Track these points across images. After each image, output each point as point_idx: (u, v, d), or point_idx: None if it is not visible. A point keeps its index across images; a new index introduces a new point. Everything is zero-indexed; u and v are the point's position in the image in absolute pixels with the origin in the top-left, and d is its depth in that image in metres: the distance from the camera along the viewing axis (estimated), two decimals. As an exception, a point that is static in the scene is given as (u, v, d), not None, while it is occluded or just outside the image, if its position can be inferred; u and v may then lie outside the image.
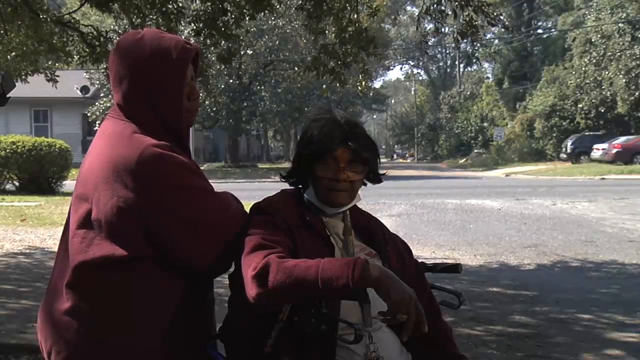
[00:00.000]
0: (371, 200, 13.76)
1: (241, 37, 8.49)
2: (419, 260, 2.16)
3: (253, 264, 1.70)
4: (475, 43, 7.51)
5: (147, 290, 1.77)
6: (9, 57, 8.56)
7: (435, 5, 7.05)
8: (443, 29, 7.47)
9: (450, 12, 6.99)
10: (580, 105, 35.51)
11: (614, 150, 30.12)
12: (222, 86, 33.52)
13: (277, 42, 34.71)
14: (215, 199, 1.85)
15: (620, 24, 32.95)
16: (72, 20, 7.69)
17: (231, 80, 34.73)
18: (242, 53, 30.75)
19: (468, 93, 53.15)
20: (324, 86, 11.50)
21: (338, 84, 7.91)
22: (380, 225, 2.08)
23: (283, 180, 2.06)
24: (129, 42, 1.85)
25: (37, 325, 1.89)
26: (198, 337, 1.90)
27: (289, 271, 1.65)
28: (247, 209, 1.96)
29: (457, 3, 6.73)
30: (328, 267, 1.65)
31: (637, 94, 31.87)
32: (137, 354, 1.77)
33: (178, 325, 1.82)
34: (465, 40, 7.31)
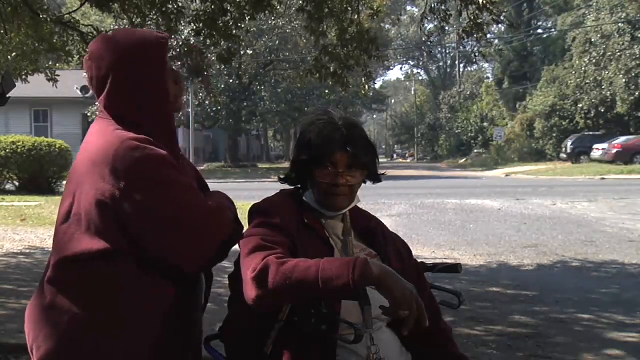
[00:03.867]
0: (371, 200, 13.74)
1: (241, 38, 8.47)
2: (419, 261, 2.17)
3: (252, 266, 1.69)
4: (480, 42, 7.50)
5: (124, 286, 1.76)
6: (9, 57, 8.57)
7: (438, 4, 7.04)
8: (446, 28, 7.46)
9: (453, 12, 7.00)
10: (580, 105, 35.49)
11: (614, 150, 30.11)
12: (222, 86, 33.52)
13: (277, 42, 34.73)
14: (191, 193, 1.82)
15: (620, 24, 32.94)
16: (72, 20, 7.70)
17: (231, 80, 34.74)
18: (242, 53, 30.74)
19: (468, 93, 53.11)
20: (327, 90, 11.52)
21: (341, 88, 7.90)
22: (380, 225, 2.08)
23: (282, 182, 2.06)
24: (103, 43, 1.87)
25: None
26: (180, 335, 1.88)
27: (288, 272, 1.65)
28: (247, 209, 1.96)
29: (461, 1, 6.73)
30: (328, 267, 1.65)
31: (637, 94, 31.87)
32: (116, 349, 1.76)
33: (158, 322, 1.80)
34: (468, 39, 7.30)
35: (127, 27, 7.42)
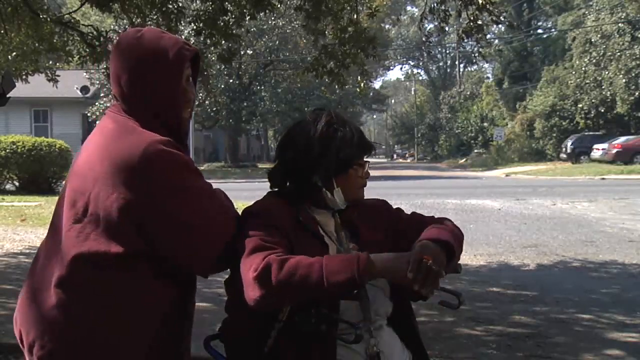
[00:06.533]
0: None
1: (241, 37, 8.47)
2: None
3: (254, 266, 1.69)
4: (480, 42, 7.48)
5: (140, 289, 1.77)
6: (9, 57, 8.57)
7: (438, 5, 7.04)
8: (446, 29, 7.46)
9: (453, 12, 6.99)
10: (580, 105, 35.49)
11: (614, 150, 30.09)
12: (222, 86, 33.52)
13: (277, 42, 34.74)
14: (215, 200, 1.84)
15: (620, 24, 32.94)
16: (72, 20, 7.69)
17: (231, 80, 34.74)
18: (242, 53, 30.76)
19: (468, 93, 53.08)
20: (323, 87, 11.51)
21: (337, 86, 7.91)
22: (359, 213, 2.04)
23: (276, 187, 2.02)
24: (129, 39, 1.86)
25: (17, 317, 1.85)
26: (182, 337, 1.90)
27: (292, 269, 1.66)
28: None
29: (460, 2, 6.72)
30: (332, 263, 1.67)
31: (637, 94, 31.86)
32: (125, 352, 1.76)
33: (167, 325, 1.81)
34: (468, 40, 7.30)
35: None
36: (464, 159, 45.93)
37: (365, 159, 1.99)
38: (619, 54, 32.75)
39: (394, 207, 2.10)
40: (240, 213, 1.92)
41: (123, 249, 1.73)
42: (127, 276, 1.75)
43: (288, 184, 1.97)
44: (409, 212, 2.11)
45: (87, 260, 1.74)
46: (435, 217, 2.10)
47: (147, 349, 1.79)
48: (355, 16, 7.41)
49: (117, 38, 1.94)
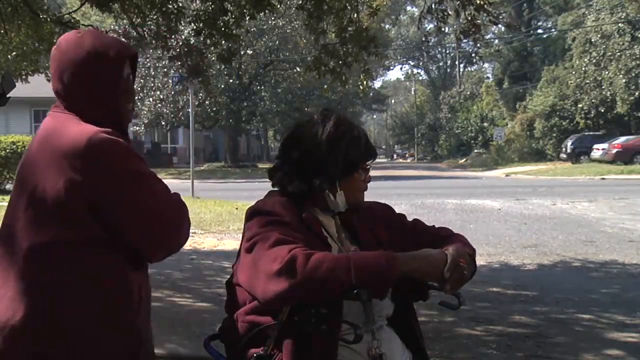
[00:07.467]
0: (371, 200, 13.67)
1: (241, 37, 8.47)
2: None
3: (278, 259, 1.66)
4: (477, 42, 7.51)
5: (97, 273, 1.78)
6: (9, 57, 8.58)
7: (436, 5, 7.04)
8: (444, 29, 7.48)
9: (451, 12, 7.00)
10: (580, 105, 35.49)
11: (614, 150, 30.09)
12: (222, 86, 33.51)
13: (277, 42, 34.73)
14: (160, 184, 1.87)
15: (620, 24, 32.95)
16: (72, 20, 7.70)
17: (231, 80, 34.73)
18: (242, 53, 30.75)
19: (468, 93, 53.06)
20: (325, 86, 11.48)
21: (339, 84, 7.92)
22: (359, 215, 2.06)
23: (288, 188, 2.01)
24: (70, 40, 1.92)
25: None
26: (143, 315, 1.90)
27: (318, 261, 1.64)
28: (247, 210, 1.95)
29: (459, 2, 6.73)
30: (359, 257, 1.69)
31: (637, 94, 31.87)
32: (87, 338, 1.76)
33: (125, 306, 1.83)
34: (466, 40, 7.31)
35: (124, 27, 7.44)
36: (464, 159, 45.93)
37: (367, 163, 2.00)
38: (619, 54, 32.76)
39: (397, 212, 2.13)
40: (247, 213, 1.93)
41: (76, 234, 1.76)
42: (82, 260, 1.77)
43: (290, 183, 1.95)
44: (410, 216, 2.13)
45: (41, 248, 1.75)
46: (436, 226, 2.10)
47: (118, 331, 1.80)
48: (355, 15, 7.41)
49: (57, 40, 1.98)
